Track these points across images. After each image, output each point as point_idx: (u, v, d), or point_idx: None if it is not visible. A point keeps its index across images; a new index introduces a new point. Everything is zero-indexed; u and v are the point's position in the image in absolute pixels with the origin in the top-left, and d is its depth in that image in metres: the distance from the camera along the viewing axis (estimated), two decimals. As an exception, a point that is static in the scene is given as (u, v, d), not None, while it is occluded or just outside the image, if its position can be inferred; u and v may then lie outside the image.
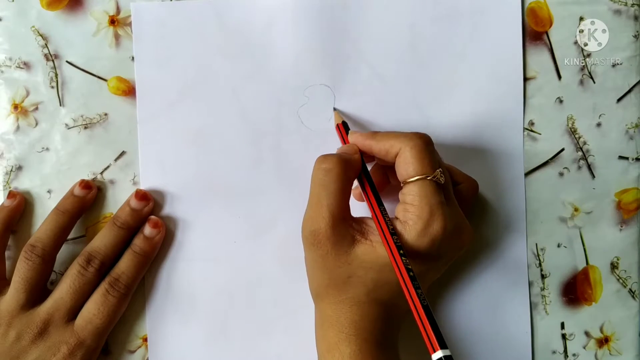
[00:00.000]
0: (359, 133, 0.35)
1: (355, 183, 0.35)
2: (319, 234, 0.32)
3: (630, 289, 0.40)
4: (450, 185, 0.34)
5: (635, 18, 0.40)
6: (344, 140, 0.36)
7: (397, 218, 0.32)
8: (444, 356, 0.26)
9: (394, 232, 0.31)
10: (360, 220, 0.33)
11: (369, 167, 0.36)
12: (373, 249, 0.32)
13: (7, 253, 0.39)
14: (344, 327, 0.32)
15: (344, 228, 0.32)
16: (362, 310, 0.32)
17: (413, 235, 0.31)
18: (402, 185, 0.33)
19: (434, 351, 0.27)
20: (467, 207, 0.36)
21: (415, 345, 0.38)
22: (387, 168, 0.37)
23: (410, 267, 0.29)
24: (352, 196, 0.35)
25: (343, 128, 0.37)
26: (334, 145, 0.39)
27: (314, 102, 0.40)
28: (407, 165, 0.32)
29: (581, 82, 0.40)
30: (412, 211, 0.31)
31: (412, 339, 0.38)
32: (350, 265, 0.32)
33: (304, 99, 0.40)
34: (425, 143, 0.33)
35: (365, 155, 0.35)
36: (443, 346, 0.26)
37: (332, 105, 0.40)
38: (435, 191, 0.32)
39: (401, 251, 0.30)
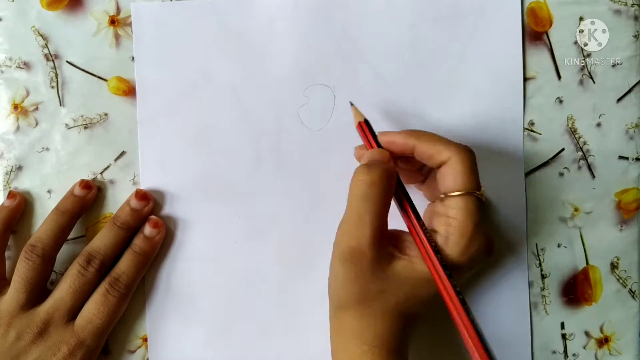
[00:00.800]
0: (396, 133, 0.33)
1: None
2: (358, 251, 0.31)
3: (630, 289, 0.40)
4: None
5: (635, 18, 0.40)
6: (369, 143, 0.34)
7: (436, 231, 0.32)
8: None
9: (437, 251, 0.30)
10: (396, 235, 0.33)
11: None
12: (411, 265, 0.31)
13: (7, 253, 0.39)
14: (367, 339, 0.31)
15: (383, 245, 0.31)
16: (388, 322, 0.32)
17: (456, 252, 0.31)
18: (442, 195, 0.32)
19: None
20: None
21: (415, 345, 0.38)
22: (408, 160, 0.35)
23: (458, 289, 0.29)
24: None
25: (367, 127, 0.34)
26: (334, 145, 0.39)
27: (314, 102, 0.39)
28: (456, 177, 0.31)
29: (581, 82, 0.40)
30: (455, 226, 0.31)
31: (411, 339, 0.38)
32: (385, 280, 0.31)
33: (304, 99, 0.40)
34: (474, 157, 0.32)
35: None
36: None
37: (332, 105, 0.40)
38: (478, 209, 0.31)
39: (447, 272, 0.29)
